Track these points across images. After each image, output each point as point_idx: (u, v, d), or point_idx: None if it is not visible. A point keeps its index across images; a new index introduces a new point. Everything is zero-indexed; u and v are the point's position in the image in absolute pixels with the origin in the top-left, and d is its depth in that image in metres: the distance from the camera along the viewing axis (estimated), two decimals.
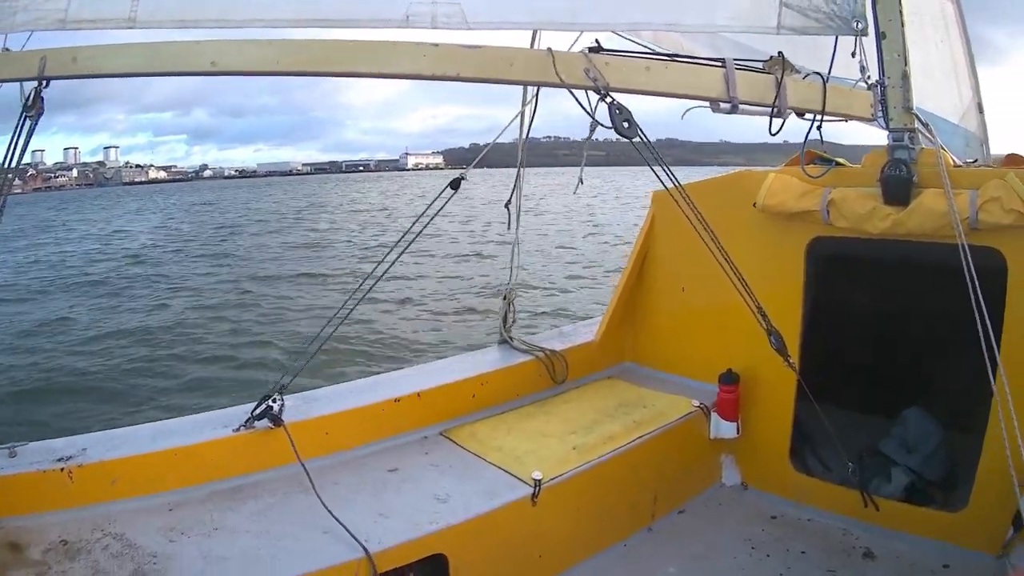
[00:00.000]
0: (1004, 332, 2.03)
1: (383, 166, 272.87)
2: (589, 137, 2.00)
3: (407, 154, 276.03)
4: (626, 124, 1.82)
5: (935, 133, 2.15)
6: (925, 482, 2.39)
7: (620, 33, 2.07)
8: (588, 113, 1.84)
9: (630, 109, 1.81)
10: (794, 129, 2.19)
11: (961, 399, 2.32)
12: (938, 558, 2.13)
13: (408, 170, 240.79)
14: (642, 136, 1.82)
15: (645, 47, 2.06)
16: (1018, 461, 1.51)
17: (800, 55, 2.29)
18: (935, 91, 2.64)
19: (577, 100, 1.85)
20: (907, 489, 2.37)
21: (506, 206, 2.57)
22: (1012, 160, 2.37)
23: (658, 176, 1.87)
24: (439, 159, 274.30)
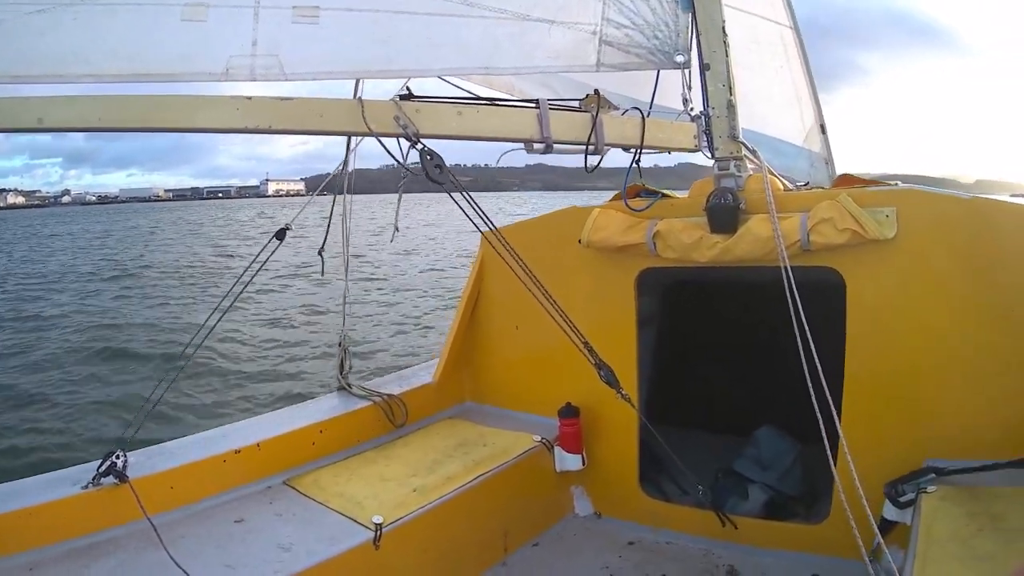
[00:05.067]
0: (847, 346, 2.10)
1: (244, 192, 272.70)
2: (401, 186, 2.01)
3: (267, 180, 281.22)
4: (438, 170, 1.85)
5: (762, 158, 2.20)
6: (785, 497, 2.44)
7: (447, 79, 2.10)
8: (398, 162, 1.86)
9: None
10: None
11: (811, 413, 2.37)
12: (806, 569, 2.16)
13: (269, 196, 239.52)
14: (454, 181, 1.86)
15: (471, 93, 2.08)
16: (843, 470, 1.63)
17: (629, 86, 2.35)
18: (776, 115, 2.71)
19: (387, 149, 1.87)
20: (767, 506, 2.41)
21: (319, 253, 2.52)
22: (844, 180, 2.43)
23: (471, 219, 1.90)
24: (300, 185, 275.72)
